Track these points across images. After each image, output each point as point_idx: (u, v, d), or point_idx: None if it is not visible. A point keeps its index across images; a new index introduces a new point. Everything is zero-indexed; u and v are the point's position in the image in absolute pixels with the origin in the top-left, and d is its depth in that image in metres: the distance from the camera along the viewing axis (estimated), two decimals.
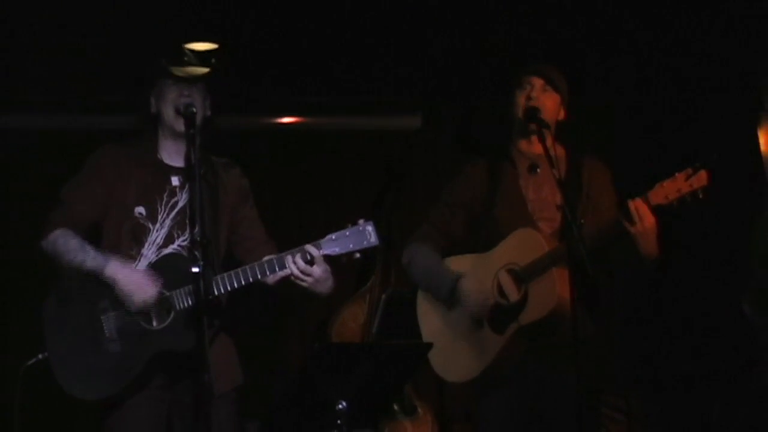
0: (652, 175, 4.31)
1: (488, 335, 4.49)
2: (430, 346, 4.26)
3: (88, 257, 4.13)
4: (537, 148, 4.51)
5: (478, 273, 4.52)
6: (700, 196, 4.20)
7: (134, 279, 4.10)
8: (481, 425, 4.61)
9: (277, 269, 4.11)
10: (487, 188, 4.62)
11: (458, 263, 4.62)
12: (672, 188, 4.23)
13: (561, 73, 4.62)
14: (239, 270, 4.13)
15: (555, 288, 4.32)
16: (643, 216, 4.25)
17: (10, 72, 5.77)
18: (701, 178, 4.19)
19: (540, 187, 4.56)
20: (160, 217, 4.24)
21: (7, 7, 5.31)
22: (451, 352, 4.58)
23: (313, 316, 6.28)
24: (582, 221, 4.26)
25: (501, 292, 4.48)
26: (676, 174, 4.24)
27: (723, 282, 5.79)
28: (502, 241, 4.50)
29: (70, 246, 4.16)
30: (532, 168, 4.58)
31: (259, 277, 4.12)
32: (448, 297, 4.56)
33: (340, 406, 4.00)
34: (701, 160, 4.19)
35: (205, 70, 4.24)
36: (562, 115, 4.60)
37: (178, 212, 4.23)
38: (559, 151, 4.47)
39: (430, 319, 4.69)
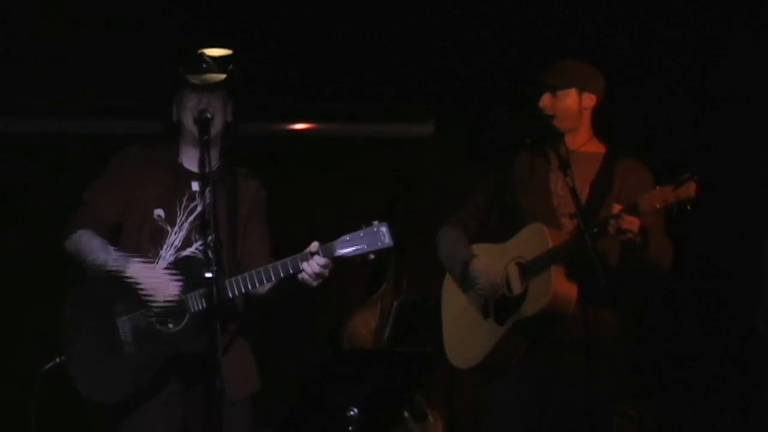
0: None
1: (491, 325, 4.51)
2: (440, 354, 4.27)
3: (110, 257, 4.16)
4: (572, 143, 4.47)
5: (490, 262, 4.54)
6: (688, 208, 4.14)
7: (156, 277, 4.13)
8: (486, 417, 4.63)
9: (291, 271, 4.11)
10: (523, 179, 4.62)
11: (477, 251, 4.64)
12: (659, 197, 4.18)
13: (568, 65, 4.57)
14: (253, 272, 4.12)
15: (550, 285, 4.31)
16: (629, 223, 4.22)
17: (12, 75, 5.78)
18: (689, 189, 4.08)
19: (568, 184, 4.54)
20: (178, 220, 4.26)
21: (9, 8, 5.34)
22: (460, 337, 4.61)
23: (325, 323, 6.29)
24: (595, 230, 4.25)
25: (508, 283, 4.50)
26: (665, 184, 4.18)
27: (735, 293, 5.79)
28: (518, 233, 4.53)
29: (92, 246, 4.19)
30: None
31: (273, 279, 4.11)
32: (461, 277, 4.58)
33: (352, 413, 4.01)
34: (690, 171, 4.13)
35: (222, 76, 4.25)
36: (592, 101, 4.54)
37: (196, 216, 4.25)
38: (595, 148, 4.51)
39: (452, 303, 4.69)
